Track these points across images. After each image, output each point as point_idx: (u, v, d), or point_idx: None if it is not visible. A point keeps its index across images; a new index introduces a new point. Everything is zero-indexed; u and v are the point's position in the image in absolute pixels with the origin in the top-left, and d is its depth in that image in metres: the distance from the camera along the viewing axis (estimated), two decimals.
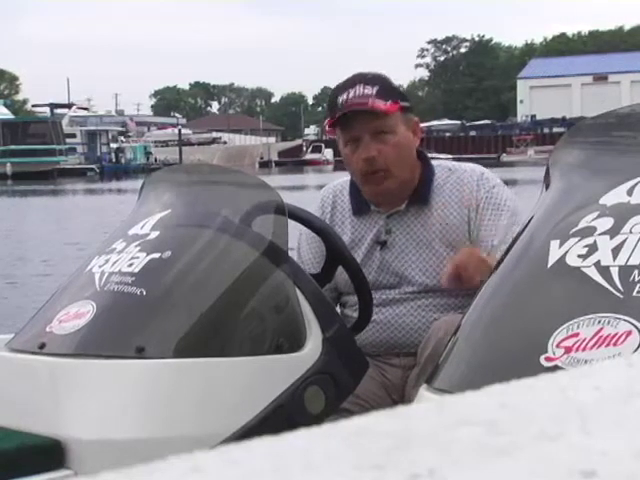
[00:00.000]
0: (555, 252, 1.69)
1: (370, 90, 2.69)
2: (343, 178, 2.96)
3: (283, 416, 2.11)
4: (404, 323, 2.74)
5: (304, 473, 0.54)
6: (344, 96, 2.69)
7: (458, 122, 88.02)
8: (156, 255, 2.22)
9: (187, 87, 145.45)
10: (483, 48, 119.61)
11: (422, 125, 2.96)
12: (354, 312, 2.64)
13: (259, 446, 0.59)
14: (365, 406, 2.62)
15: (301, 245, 2.88)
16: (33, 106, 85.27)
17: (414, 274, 2.75)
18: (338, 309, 2.82)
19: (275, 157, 79.63)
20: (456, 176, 2.81)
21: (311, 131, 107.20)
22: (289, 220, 2.33)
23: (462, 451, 0.57)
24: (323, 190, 2.99)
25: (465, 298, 2.67)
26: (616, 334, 1.51)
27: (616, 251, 1.62)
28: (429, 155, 2.95)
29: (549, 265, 1.68)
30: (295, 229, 2.44)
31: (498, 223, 2.72)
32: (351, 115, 2.69)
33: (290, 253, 2.30)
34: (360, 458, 0.56)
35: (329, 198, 2.92)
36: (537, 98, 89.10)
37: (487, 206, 2.74)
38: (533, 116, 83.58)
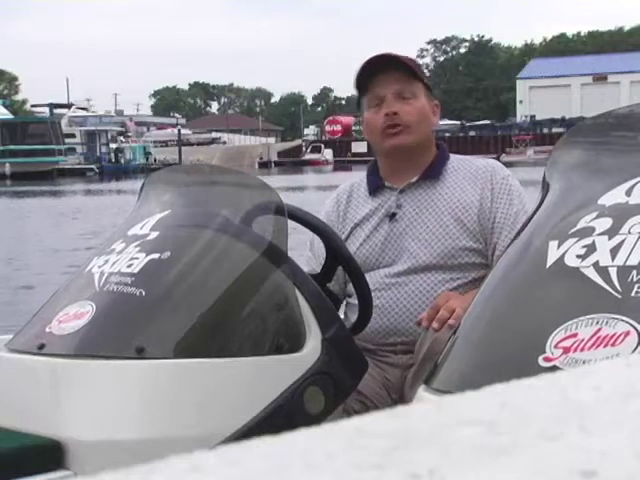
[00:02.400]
0: (554, 252, 1.69)
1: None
2: (360, 176, 3.04)
3: (283, 416, 2.11)
4: (404, 307, 2.74)
5: (304, 473, 0.54)
6: (370, 61, 2.83)
7: (457, 122, 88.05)
8: (155, 255, 2.22)
9: (187, 87, 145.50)
10: (482, 48, 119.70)
11: None
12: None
13: (259, 446, 0.59)
14: (367, 404, 2.63)
15: (314, 239, 2.89)
16: (32, 106, 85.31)
17: (418, 247, 2.78)
18: (343, 306, 2.83)
19: (274, 157, 79.63)
20: (471, 163, 2.90)
21: (310, 131, 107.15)
22: (289, 221, 2.33)
23: (462, 451, 0.57)
24: (341, 185, 3.07)
25: (464, 274, 2.73)
26: (614, 334, 1.51)
27: (614, 251, 1.62)
28: None
29: (548, 265, 1.68)
30: (295, 230, 2.44)
31: (511, 210, 2.78)
32: (377, 75, 2.81)
33: (290, 254, 2.29)
34: (360, 458, 0.56)
35: (346, 190, 3.00)
36: (536, 98, 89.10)
37: (502, 192, 2.81)
38: (532, 116, 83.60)
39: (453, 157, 2.93)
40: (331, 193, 3.08)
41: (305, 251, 2.93)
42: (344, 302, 2.89)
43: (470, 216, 2.78)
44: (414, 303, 2.74)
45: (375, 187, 2.91)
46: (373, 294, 2.63)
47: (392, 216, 2.83)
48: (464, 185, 2.83)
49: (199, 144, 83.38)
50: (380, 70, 2.81)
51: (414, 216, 2.81)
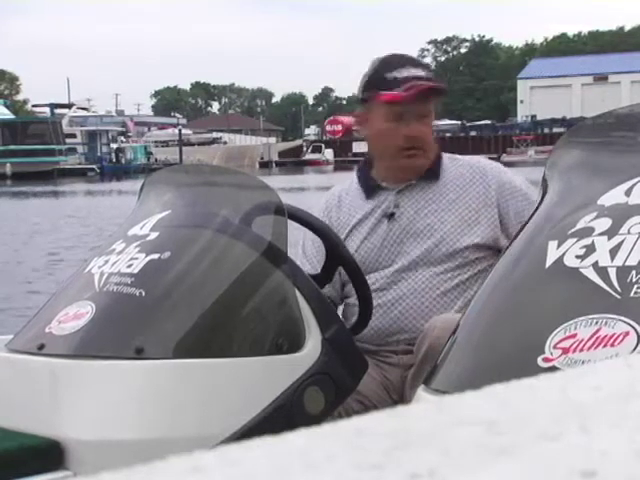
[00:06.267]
0: (553, 253, 1.69)
1: (422, 73, 2.83)
2: (346, 181, 3.03)
3: (283, 416, 2.11)
4: (407, 304, 2.74)
5: (304, 473, 0.54)
6: (397, 73, 2.79)
7: (458, 122, 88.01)
8: (155, 256, 2.22)
9: (187, 87, 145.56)
10: (483, 48, 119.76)
11: None
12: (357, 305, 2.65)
13: (259, 446, 0.59)
14: (366, 404, 2.63)
15: (305, 241, 2.89)
16: (33, 106, 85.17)
17: (418, 244, 2.79)
18: (340, 309, 2.83)
19: (275, 157, 79.57)
20: (465, 162, 2.93)
21: (311, 131, 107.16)
22: (289, 221, 2.33)
23: (462, 451, 0.57)
24: (328, 192, 3.05)
25: (465, 269, 2.74)
26: (614, 335, 1.51)
27: (614, 252, 1.62)
28: None
29: (547, 266, 1.68)
30: (295, 230, 2.44)
31: (521, 203, 2.80)
32: (412, 98, 2.78)
33: (290, 254, 2.29)
34: (360, 458, 0.56)
35: (334, 197, 2.98)
36: (537, 98, 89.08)
37: (503, 188, 2.83)
38: (533, 116, 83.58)
39: (444, 156, 2.94)
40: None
41: (297, 255, 2.90)
42: (342, 305, 2.89)
43: (471, 213, 2.79)
44: (416, 300, 2.74)
45: (370, 189, 2.90)
46: (374, 294, 2.64)
47: (390, 216, 2.83)
48: (461, 182, 2.85)
49: (200, 144, 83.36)
50: None
51: (413, 215, 2.82)
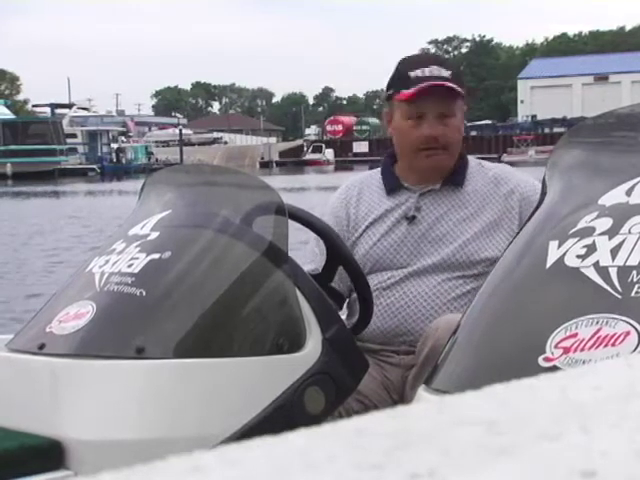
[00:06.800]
0: (554, 252, 1.69)
1: (445, 73, 2.80)
2: (366, 172, 3.04)
3: (283, 416, 2.11)
4: (415, 307, 2.74)
5: (304, 473, 0.54)
6: (419, 72, 2.78)
7: None
8: (156, 256, 2.22)
9: (188, 87, 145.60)
10: (484, 48, 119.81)
11: None
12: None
13: (259, 446, 0.59)
14: (367, 403, 2.63)
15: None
16: (34, 106, 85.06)
17: (435, 251, 2.78)
18: (344, 308, 2.83)
19: (276, 157, 79.52)
20: (491, 170, 2.91)
21: (312, 131, 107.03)
22: (290, 221, 2.33)
23: (462, 451, 0.57)
24: (348, 182, 3.04)
25: (477, 279, 2.73)
26: (614, 334, 1.51)
27: (615, 251, 1.62)
28: None
29: (548, 266, 1.68)
30: (296, 230, 2.44)
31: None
32: (424, 94, 2.76)
33: (290, 254, 2.29)
34: (360, 458, 0.56)
35: (355, 186, 2.98)
36: (538, 98, 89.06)
37: (528, 200, 2.81)
38: (534, 116, 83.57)
39: (471, 161, 2.93)
40: (334, 192, 3.06)
41: (310, 246, 2.90)
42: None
43: (491, 225, 2.79)
44: (425, 303, 2.74)
45: (393, 186, 2.90)
46: (384, 292, 2.65)
47: (411, 219, 2.83)
48: (485, 192, 2.84)
49: (200, 144, 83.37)
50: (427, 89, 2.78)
51: (434, 221, 2.82)
